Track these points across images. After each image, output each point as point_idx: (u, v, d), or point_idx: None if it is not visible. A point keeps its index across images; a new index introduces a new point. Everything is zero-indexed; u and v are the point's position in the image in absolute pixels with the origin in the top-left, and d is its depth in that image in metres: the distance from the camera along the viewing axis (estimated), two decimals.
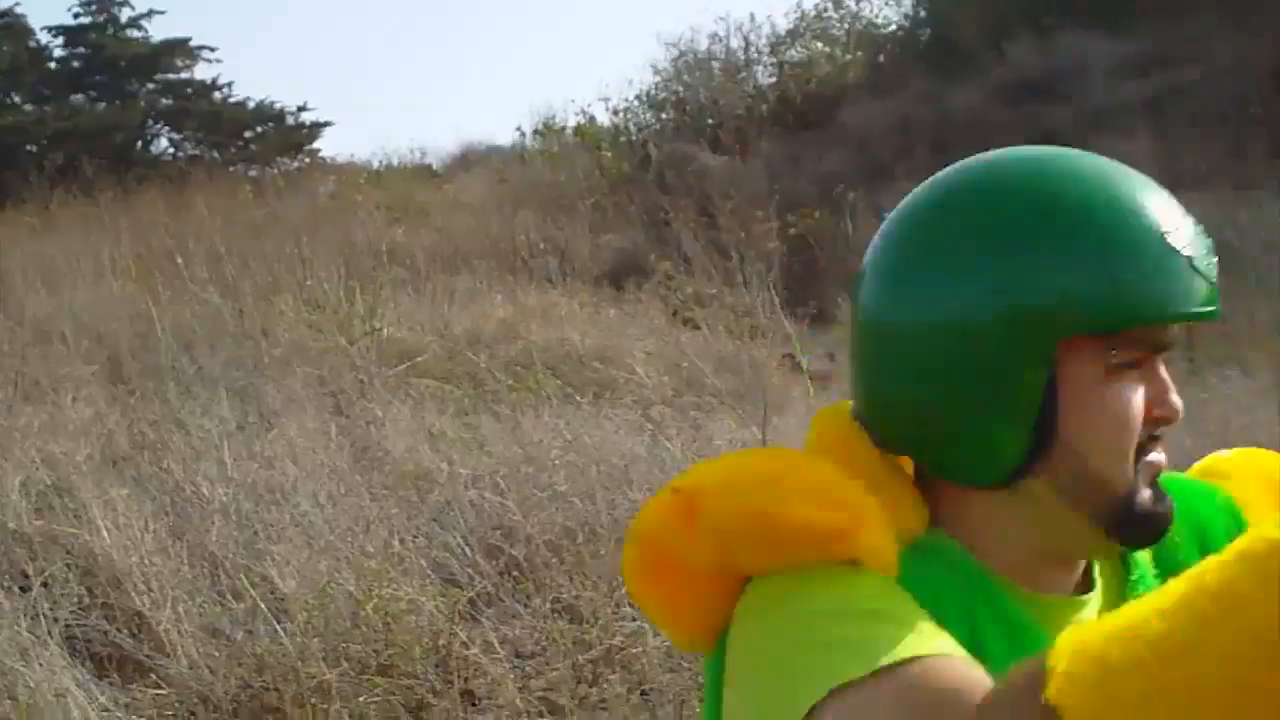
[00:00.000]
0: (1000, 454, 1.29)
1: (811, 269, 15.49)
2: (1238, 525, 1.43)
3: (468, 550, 6.63)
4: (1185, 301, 1.26)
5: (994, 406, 1.28)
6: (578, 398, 9.40)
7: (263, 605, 5.99)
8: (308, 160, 29.92)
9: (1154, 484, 1.31)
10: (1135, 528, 1.30)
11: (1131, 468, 1.29)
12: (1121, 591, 1.37)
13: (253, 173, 27.06)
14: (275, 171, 26.23)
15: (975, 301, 1.27)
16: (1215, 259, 1.31)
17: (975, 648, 1.22)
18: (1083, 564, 1.38)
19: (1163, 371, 1.32)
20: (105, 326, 12.87)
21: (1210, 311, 1.28)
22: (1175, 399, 1.32)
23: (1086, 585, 1.38)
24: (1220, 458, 1.54)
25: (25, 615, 6.17)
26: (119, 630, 6.20)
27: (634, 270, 14.50)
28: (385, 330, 12.20)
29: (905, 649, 1.12)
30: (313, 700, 5.49)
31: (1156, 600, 0.94)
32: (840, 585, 1.21)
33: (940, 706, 1.08)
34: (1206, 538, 1.44)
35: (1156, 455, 1.31)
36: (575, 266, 15.43)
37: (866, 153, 19.60)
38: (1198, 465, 1.54)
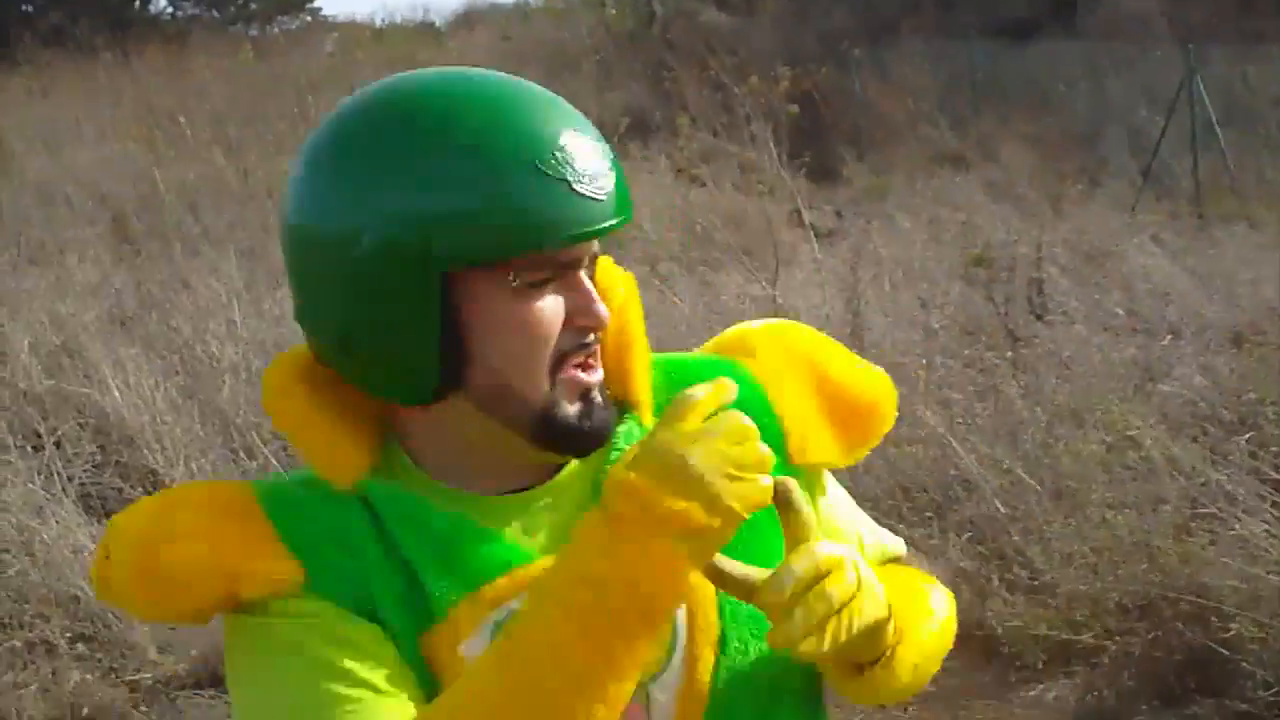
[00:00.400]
0: (418, 375, 1.30)
1: (817, 126, 15.34)
2: (757, 398, 1.42)
3: None
4: (566, 226, 1.26)
5: (400, 332, 1.28)
6: None
7: (275, 461, 6.05)
8: (308, 19, 29.56)
9: (585, 399, 1.32)
10: (557, 440, 1.31)
11: (547, 381, 1.30)
12: (601, 467, 1.35)
13: (253, 32, 26.77)
14: (276, 30, 25.94)
15: (362, 230, 1.27)
16: (611, 175, 1.29)
17: (410, 583, 1.30)
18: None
19: (585, 282, 1.31)
20: (108, 188, 12.83)
21: (601, 229, 1.28)
22: (599, 308, 1.31)
23: (556, 470, 1.38)
24: (749, 330, 1.52)
25: (39, 474, 6.24)
26: (133, 488, 6.26)
27: (640, 127, 14.38)
28: None
29: None
30: None
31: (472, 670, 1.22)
32: (266, 666, 1.29)
33: None
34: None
35: (587, 375, 1.32)
36: None
37: (873, 9, 19.35)
38: (725, 335, 1.52)
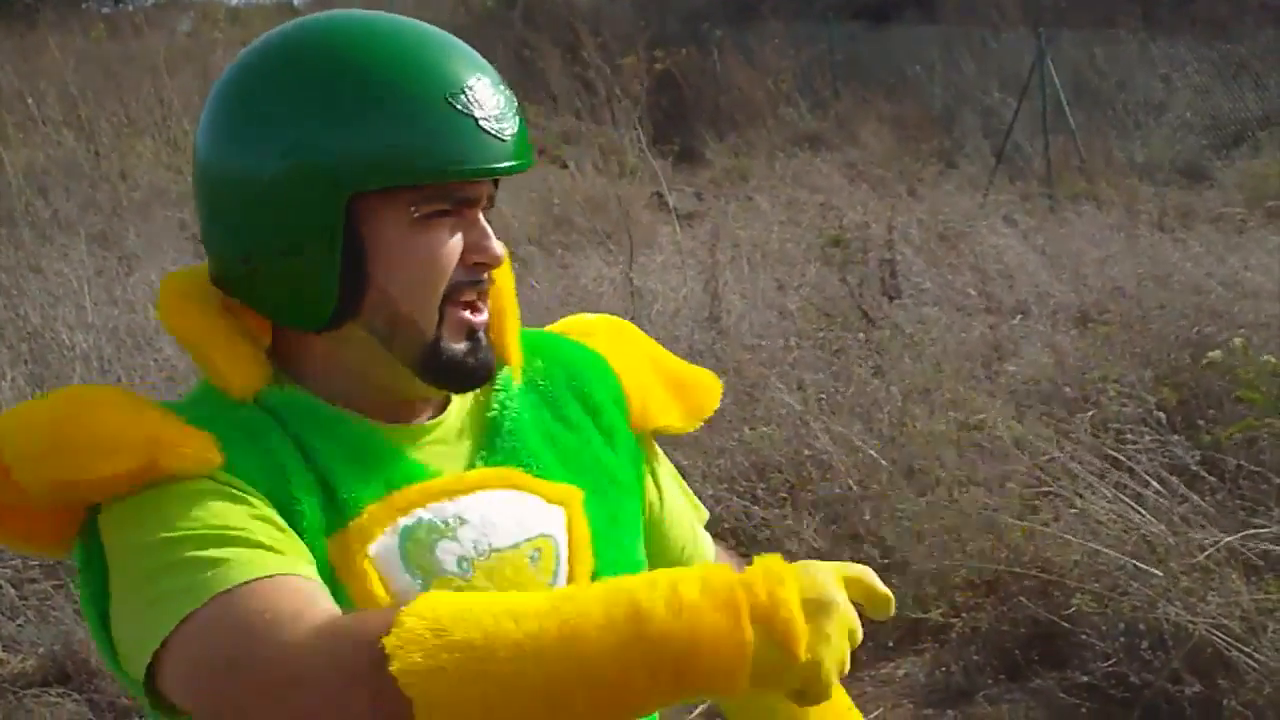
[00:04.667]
0: (316, 300, 1.36)
1: (679, 107, 15.42)
2: (600, 364, 1.54)
3: None
4: (470, 160, 1.33)
5: (301, 257, 1.35)
6: None
7: None
8: None
9: (473, 338, 1.39)
10: (442, 374, 1.38)
11: (436, 313, 1.36)
12: (487, 405, 1.46)
13: (106, 10, 26.14)
14: (130, 9, 25.36)
15: (267, 158, 1.34)
16: (515, 121, 1.37)
17: (320, 483, 1.33)
18: (433, 395, 1.44)
19: (481, 220, 1.38)
20: None
21: (503, 168, 1.35)
22: (494, 245, 1.38)
23: (444, 408, 1.46)
24: (585, 318, 1.65)
25: None
26: None
27: None
28: None
29: (234, 574, 1.22)
30: None
31: (516, 602, 1.14)
32: (170, 512, 1.27)
33: (272, 624, 1.18)
34: (579, 380, 1.53)
35: (473, 316, 1.39)
36: None
37: None
38: (564, 321, 1.64)
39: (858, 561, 4.19)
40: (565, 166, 12.09)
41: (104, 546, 1.31)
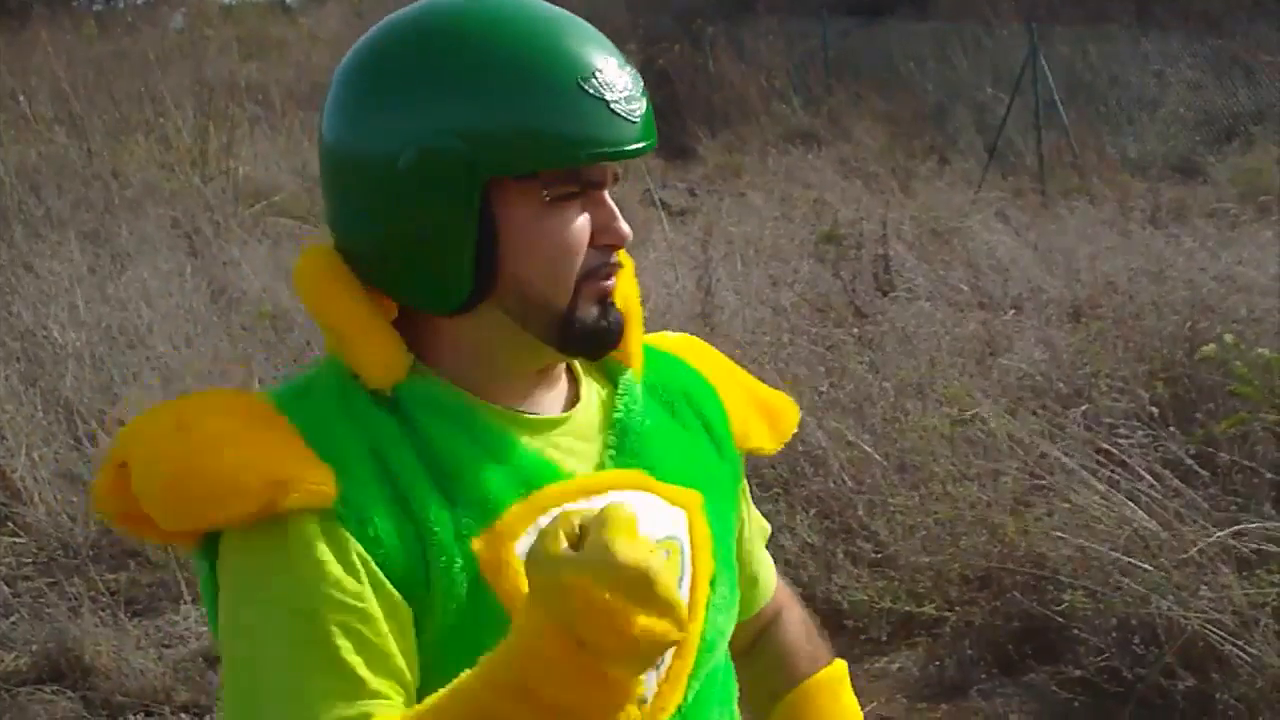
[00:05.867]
0: (450, 284, 1.37)
1: (672, 103, 15.41)
2: (710, 391, 1.58)
3: None
4: (603, 143, 1.34)
5: (435, 242, 1.35)
6: None
7: None
8: None
9: (603, 303, 1.40)
10: (579, 342, 1.40)
11: (571, 289, 1.37)
12: (612, 407, 1.48)
13: (97, 8, 26.09)
14: (121, 6, 25.32)
15: (401, 143, 1.34)
16: (642, 101, 1.38)
17: (460, 484, 1.34)
18: (562, 384, 1.48)
19: (608, 201, 1.39)
20: None
21: (634, 149, 1.36)
22: (621, 226, 1.39)
23: (574, 403, 1.48)
24: (669, 337, 1.66)
25: None
26: None
27: None
28: (240, 169, 11.95)
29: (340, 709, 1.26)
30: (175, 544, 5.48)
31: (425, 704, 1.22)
32: (278, 589, 1.29)
33: None
34: (692, 392, 1.57)
35: (607, 282, 1.40)
36: None
37: None
38: (666, 336, 1.66)
39: (851, 557, 4.17)
40: None
41: (220, 565, 1.34)
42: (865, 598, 4.89)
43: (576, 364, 1.50)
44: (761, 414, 1.62)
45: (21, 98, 13.18)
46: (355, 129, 1.38)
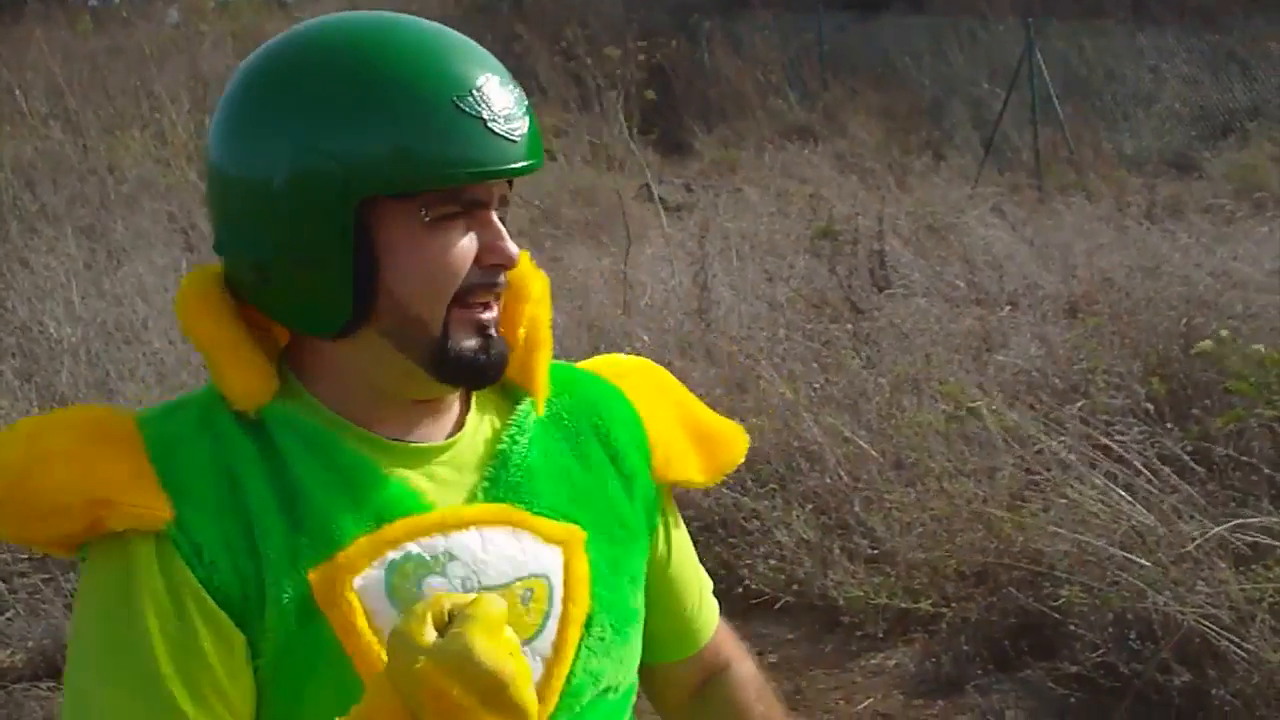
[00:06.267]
0: (329, 307, 1.35)
1: (668, 99, 15.41)
2: (631, 414, 1.54)
3: None
4: (477, 162, 1.31)
5: (312, 263, 1.34)
6: None
7: None
8: None
9: (483, 334, 1.37)
10: (453, 372, 1.37)
11: (444, 313, 1.35)
12: (499, 435, 1.45)
13: (93, 2, 26.04)
14: (116, 1, 25.26)
15: (275, 165, 1.33)
16: (525, 120, 1.35)
17: (308, 513, 1.33)
18: (453, 412, 1.45)
19: (494, 220, 1.37)
20: None
21: (514, 169, 1.34)
22: (508, 246, 1.37)
23: (459, 429, 1.45)
24: (620, 358, 1.65)
25: None
26: None
27: None
28: None
29: None
30: None
31: None
32: (114, 606, 1.30)
33: None
34: (606, 422, 1.53)
35: (484, 313, 1.37)
36: None
37: None
38: (598, 359, 1.65)
39: (848, 553, 4.18)
40: (554, 159, 12.08)
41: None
42: (861, 594, 4.89)
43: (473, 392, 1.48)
44: (694, 442, 1.57)
45: (17, 92, 13.16)
46: (233, 149, 1.37)
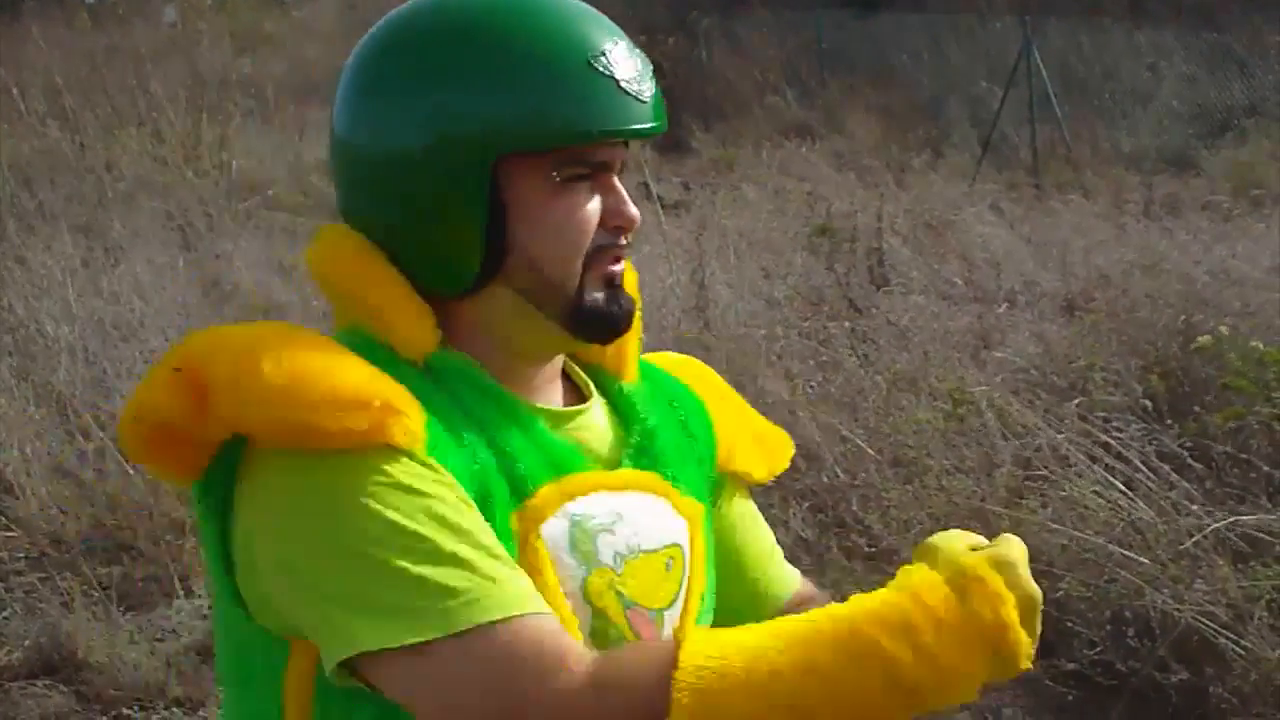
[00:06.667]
0: (460, 264, 1.37)
1: (666, 97, 15.37)
2: (699, 409, 1.58)
3: None
4: (612, 121, 1.35)
5: (444, 223, 1.36)
6: None
7: (111, 444, 5.93)
8: None
9: (611, 286, 1.41)
10: (588, 325, 1.40)
11: (579, 271, 1.38)
12: (624, 412, 1.49)
13: (90, 0, 26.03)
14: None
15: (409, 130, 1.36)
16: (652, 83, 1.40)
17: (500, 455, 1.34)
18: (557, 382, 1.48)
19: (617, 184, 1.41)
20: None
21: (646, 129, 1.38)
22: (630, 209, 1.41)
23: (578, 398, 1.49)
24: (670, 356, 1.68)
25: None
26: None
27: None
28: (233, 163, 11.94)
29: (487, 609, 1.22)
30: (168, 538, 5.48)
31: (782, 629, 1.22)
32: (379, 488, 1.25)
33: (543, 673, 1.21)
34: (680, 408, 1.56)
35: (615, 266, 1.41)
36: None
37: None
38: (666, 356, 1.67)
39: (845, 551, 4.16)
40: None
41: (255, 485, 1.30)
42: (859, 592, 4.87)
43: (574, 370, 1.51)
44: (755, 441, 1.62)
45: (14, 90, 13.15)
46: (364, 115, 1.40)
